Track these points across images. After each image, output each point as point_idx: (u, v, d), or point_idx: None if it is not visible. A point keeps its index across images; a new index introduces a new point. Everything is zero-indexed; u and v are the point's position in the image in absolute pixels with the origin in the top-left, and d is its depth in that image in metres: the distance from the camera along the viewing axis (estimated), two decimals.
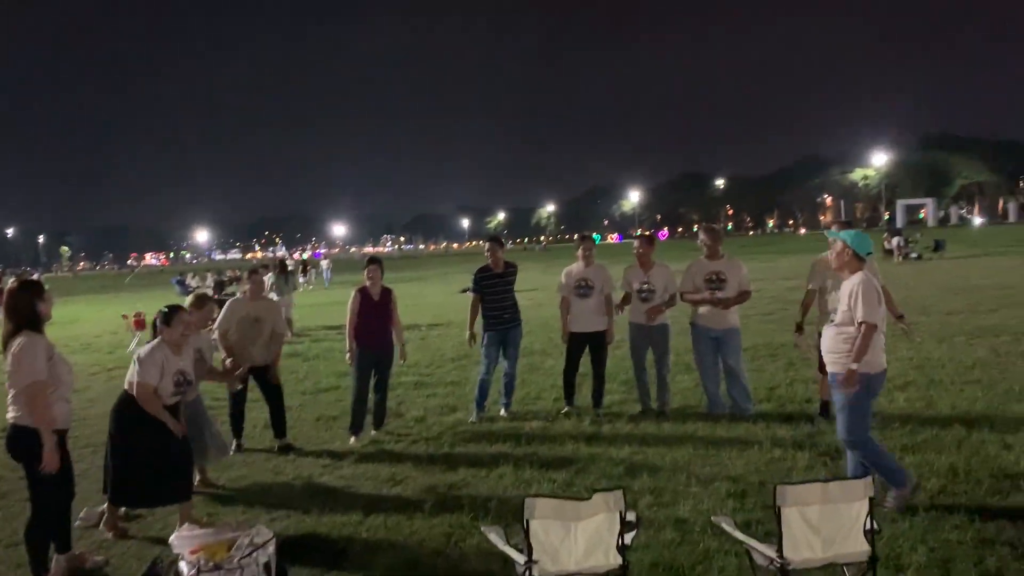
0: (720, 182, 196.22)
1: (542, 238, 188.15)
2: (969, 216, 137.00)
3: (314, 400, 9.20)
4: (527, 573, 3.10)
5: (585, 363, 7.74)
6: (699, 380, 7.63)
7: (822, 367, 5.62)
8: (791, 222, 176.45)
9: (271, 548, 4.03)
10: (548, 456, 6.24)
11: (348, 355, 7.34)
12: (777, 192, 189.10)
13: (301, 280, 32.22)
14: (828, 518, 3.21)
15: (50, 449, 4.19)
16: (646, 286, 7.45)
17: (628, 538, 3.30)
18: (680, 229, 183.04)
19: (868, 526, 3.25)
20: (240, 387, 6.85)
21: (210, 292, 19.55)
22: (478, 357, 8.04)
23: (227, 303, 7.27)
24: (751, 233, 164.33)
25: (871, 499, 3.25)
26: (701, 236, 7.44)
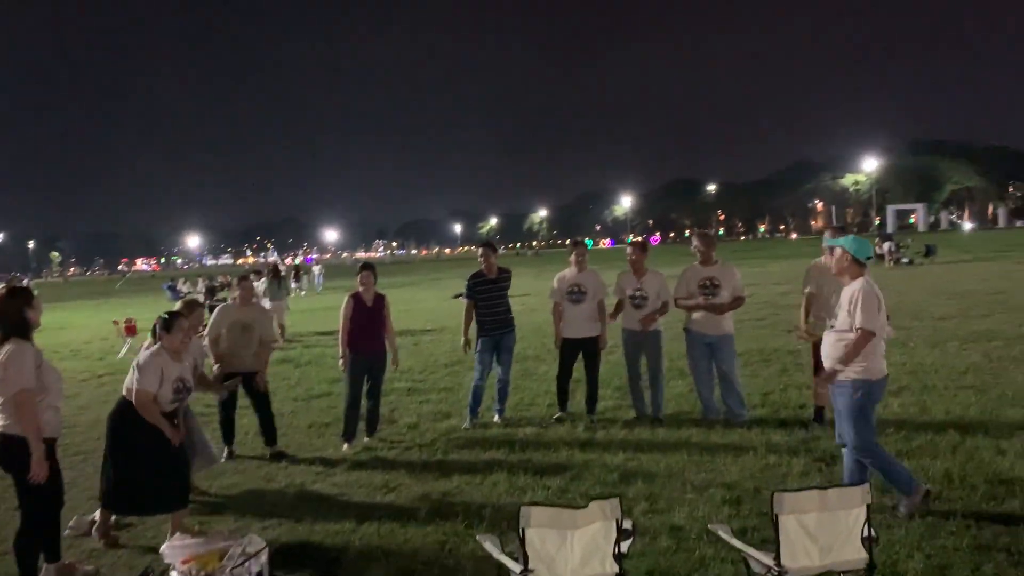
0: (712, 187, 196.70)
1: (534, 243, 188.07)
2: (959, 221, 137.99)
3: (306, 407, 9.15)
4: None
5: (578, 369, 7.72)
6: (693, 386, 7.62)
7: (817, 371, 5.61)
8: (782, 227, 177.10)
9: (263, 558, 4.00)
10: (542, 462, 6.22)
11: (341, 361, 7.31)
12: (768, 197, 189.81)
13: (294, 286, 32.15)
14: (826, 525, 3.19)
15: (39, 458, 4.14)
16: (639, 293, 7.44)
17: (624, 546, 3.28)
18: (672, 234, 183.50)
19: (866, 533, 3.24)
20: (227, 394, 6.80)
21: (201, 298, 19.46)
22: (471, 363, 8.01)
23: (217, 309, 7.23)
24: (742, 238, 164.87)
25: (868, 506, 3.24)
26: (695, 242, 7.43)
